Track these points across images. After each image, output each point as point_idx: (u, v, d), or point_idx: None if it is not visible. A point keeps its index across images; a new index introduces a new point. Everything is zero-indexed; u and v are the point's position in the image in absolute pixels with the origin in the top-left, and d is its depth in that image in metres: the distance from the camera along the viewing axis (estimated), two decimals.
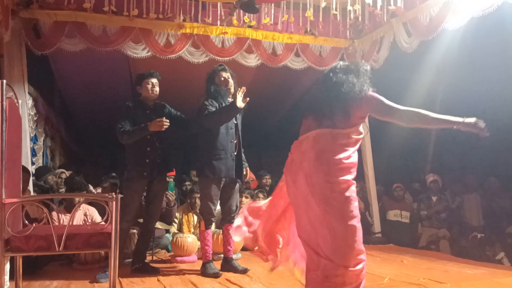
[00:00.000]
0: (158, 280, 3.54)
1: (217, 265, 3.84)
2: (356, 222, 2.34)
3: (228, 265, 3.87)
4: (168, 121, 3.68)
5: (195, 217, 5.17)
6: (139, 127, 3.72)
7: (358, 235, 2.34)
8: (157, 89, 3.90)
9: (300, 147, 2.49)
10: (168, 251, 4.97)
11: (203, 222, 3.83)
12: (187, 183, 6.78)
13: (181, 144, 8.32)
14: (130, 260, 4.11)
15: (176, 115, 3.99)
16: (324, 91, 2.51)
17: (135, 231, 4.49)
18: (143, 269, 3.84)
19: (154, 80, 3.91)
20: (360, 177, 6.25)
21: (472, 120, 2.30)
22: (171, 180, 5.49)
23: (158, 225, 4.65)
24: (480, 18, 4.08)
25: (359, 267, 2.31)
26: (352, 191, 2.37)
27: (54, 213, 4.18)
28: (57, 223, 4.05)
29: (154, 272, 3.81)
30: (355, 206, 2.35)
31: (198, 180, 4.03)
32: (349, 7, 4.61)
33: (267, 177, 6.67)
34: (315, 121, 2.50)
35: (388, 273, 3.67)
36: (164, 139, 3.94)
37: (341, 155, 2.38)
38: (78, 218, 4.24)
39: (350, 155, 2.41)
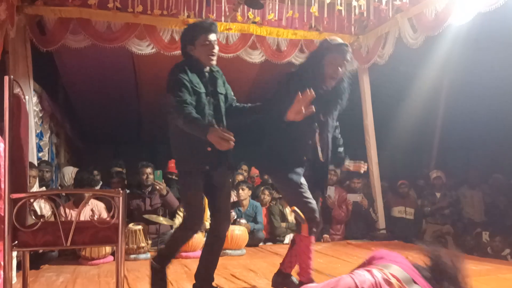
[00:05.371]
0: None
1: None
2: None
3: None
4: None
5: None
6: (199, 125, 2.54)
7: None
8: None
9: None
10: None
11: (305, 225, 2.84)
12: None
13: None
14: (135, 255, 4.14)
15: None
16: None
17: (140, 227, 4.49)
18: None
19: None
20: (365, 174, 6.23)
21: None
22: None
23: (163, 220, 4.66)
24: (486, 14, 4.06)
25: None
26: None
27: (62, 208, 4.20)
28: (63, 219, 4.07)
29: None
30: None
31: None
32: (354, 3, 4.60)
33: None
34: None
35: None
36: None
37: None
38: (86, 213, 4.26)
39: None
